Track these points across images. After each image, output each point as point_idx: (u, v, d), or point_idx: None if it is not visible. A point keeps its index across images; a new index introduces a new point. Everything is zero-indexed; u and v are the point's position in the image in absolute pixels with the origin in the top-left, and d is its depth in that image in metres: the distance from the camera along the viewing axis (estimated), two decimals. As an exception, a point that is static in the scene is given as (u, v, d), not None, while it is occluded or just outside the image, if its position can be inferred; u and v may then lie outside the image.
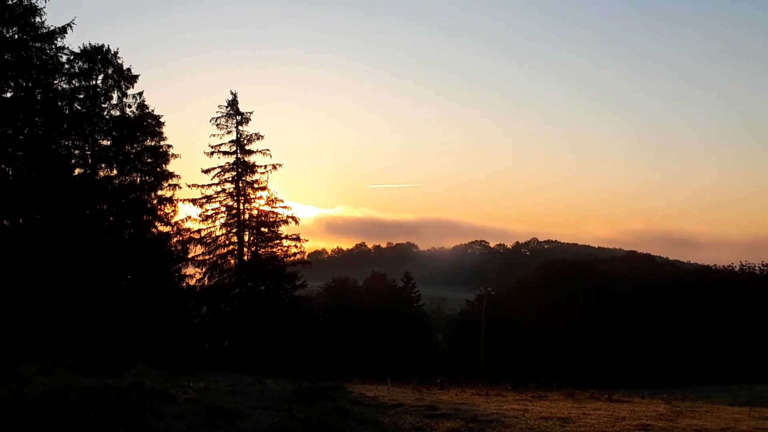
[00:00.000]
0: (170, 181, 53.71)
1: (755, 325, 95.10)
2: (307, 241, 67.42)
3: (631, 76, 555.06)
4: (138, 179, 52.19)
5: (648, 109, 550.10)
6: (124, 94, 50.54)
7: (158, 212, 53.63)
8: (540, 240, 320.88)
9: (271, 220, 64.47)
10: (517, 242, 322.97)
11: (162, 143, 53.05)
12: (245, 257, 64.03)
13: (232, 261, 64.39)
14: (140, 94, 51.28)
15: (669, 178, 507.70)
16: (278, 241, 64.84)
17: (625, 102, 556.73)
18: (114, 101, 50.28)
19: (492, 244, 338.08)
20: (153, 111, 52.61)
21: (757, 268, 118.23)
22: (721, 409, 24.75)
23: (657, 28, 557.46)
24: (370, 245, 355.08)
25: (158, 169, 52.96)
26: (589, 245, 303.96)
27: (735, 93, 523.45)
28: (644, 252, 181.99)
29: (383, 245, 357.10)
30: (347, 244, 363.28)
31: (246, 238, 64.35)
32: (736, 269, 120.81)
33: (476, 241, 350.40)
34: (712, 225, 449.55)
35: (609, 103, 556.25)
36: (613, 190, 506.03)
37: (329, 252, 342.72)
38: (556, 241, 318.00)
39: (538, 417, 18.51)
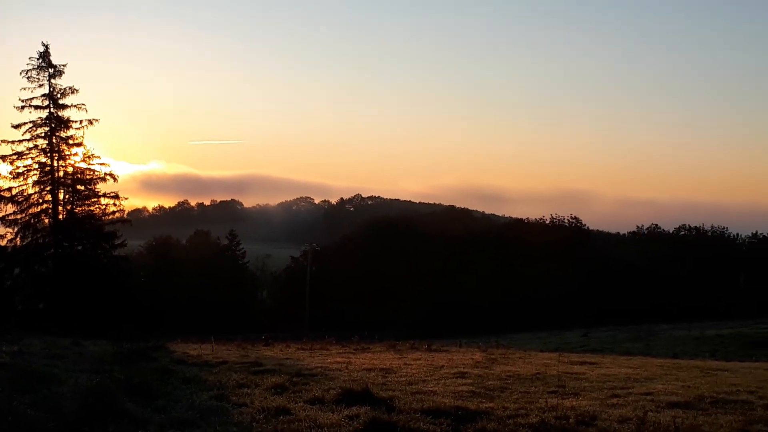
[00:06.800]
0: (-25, 136, 50.87)
1: (565, 275, 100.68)
2: (126, 199, 66.06)
3: (437, 35, 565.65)
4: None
5: (452, 66, 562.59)
6: None
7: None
8: (363, 196, 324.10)
9: (87, 177, 62.54)
10: (342, 198, 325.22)
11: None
12: (61, 216, 61.77)
13: (47, 220, 61.99)
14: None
15: (477, 134, 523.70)
16: (96, 199, 63.09)
17: (433, 57, 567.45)
18: None
19: (317, 201, 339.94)
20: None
21: (566, 221, 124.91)
22: (532, 356, 26.28)
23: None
24: (192, 203, 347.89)
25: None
26: (410, 201, 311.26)
27: (537, 53, 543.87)
28: (462, 207, 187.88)
29: (207, 203, 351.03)
30: (167, 202, 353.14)
31: (61, 196, 62.05)
32: (547, 222, 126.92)
33: (301, 197, 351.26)
34: (519, 180, 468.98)
35: (419, 60, 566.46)
36: (425, 145, 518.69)
37: (150, 210, 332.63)
38: (379, 197, 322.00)
39: (361, 369, 19.03)
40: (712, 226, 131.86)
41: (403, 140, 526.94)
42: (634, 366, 21.96)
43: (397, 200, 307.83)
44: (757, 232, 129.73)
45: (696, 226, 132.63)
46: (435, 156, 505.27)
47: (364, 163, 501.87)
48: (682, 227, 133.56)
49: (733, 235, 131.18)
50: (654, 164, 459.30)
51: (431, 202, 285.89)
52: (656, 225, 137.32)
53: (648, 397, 14.06)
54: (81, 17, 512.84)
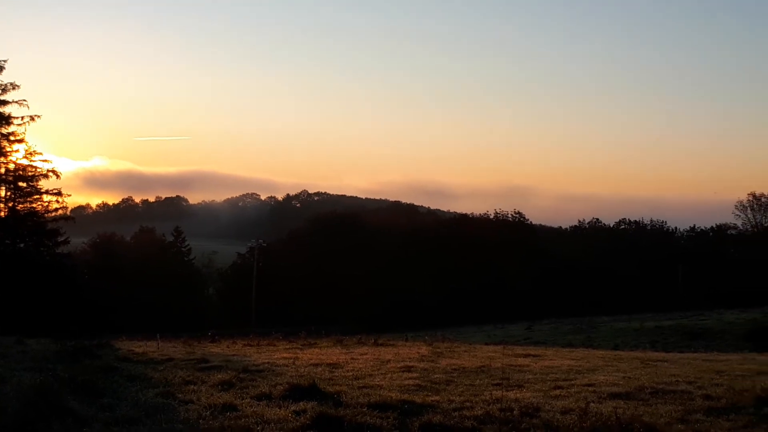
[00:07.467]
0: None
1: (509, 269, 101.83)
2: (69, 195, 65.43)
3: (381, 33, 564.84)
4: None
5: (397, 64, 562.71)
6: None
7: None
8: (310, 192, 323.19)
9: (29, 174, 61.84)
10: (288, 194, 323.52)
11: None
12: (2, 213, 61.01)
13: (-13, 217, 61.03)
14: None
15: (421, 131, 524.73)
16: (38, 197, 62.49)
17: (377, 55, 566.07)
18: None
19: (263, 197, 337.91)
20: None
21: (509, 216, 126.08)
22: (477, 349, 26.58)
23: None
24: (137, 200, 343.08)
25: None
26: (357, 197, 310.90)
27: (480, 52, 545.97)
28: (408, 202, 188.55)
29: (151, 199, 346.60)
30: (110, 199, 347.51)
31: (2, 193, 61.50)
32: (491, 217, 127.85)
33: (247, 194, 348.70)
34: (463, 176, 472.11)
35: (364, 58, 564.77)
36: (370, 142, 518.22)
37: (93, 207, 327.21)
38: (325, 193, 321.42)
39: (308, 364, 19.09)
40: (651, 220, 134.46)
41: (348, 137, 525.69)
42: (577, 358, 22.34)
43: (344, 196, 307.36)
44: (695, 225, 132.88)
45: (636, 220, 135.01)
46: (380, 152, 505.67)
47: (310, 159, 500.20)
48: (623, 221, 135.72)
49: (672, 229, 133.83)
50: (594, 159, 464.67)
51: (377, 197, 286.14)
52: (597, 219, 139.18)
53: (590, 389, 14.32)
54: (21, 12, 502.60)
